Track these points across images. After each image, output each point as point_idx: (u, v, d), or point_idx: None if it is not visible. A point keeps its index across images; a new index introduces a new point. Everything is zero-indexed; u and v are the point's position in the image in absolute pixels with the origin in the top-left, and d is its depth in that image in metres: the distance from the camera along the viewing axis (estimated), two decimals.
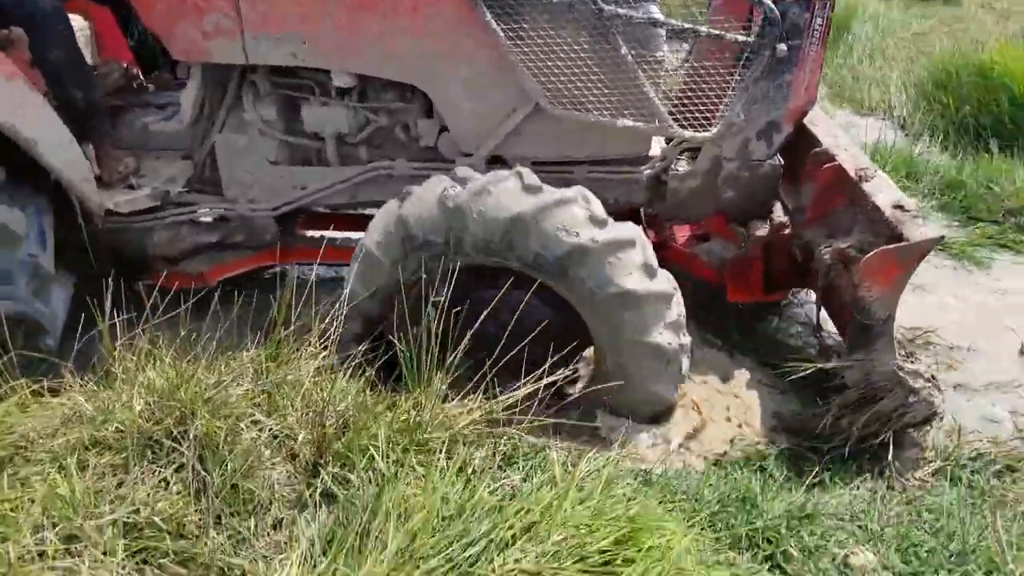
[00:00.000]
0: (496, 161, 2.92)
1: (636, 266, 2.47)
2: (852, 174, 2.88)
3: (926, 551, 2.29)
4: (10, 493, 1.94)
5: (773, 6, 2.70)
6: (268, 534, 2.00)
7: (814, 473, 2.58)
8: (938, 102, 5.85)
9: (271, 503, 2.06)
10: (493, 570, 1.79)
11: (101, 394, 2.27)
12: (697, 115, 2.80)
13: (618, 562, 1.88)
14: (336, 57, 2.81)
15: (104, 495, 1.96)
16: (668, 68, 2.80)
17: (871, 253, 2.55)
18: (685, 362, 2.61)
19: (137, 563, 1.87)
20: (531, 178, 2.49)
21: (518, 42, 2.64)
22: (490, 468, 2.20)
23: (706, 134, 2.84)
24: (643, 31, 2.68)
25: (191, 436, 2.07)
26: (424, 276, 2.51)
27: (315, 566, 1.84)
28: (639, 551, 1.91)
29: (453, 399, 2.36)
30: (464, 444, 2.24)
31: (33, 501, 1.90)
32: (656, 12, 2.70)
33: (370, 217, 3.46)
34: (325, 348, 2.45)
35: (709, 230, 3.33)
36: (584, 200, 2.50)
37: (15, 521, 1.84)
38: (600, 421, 2.70)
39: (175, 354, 2.34)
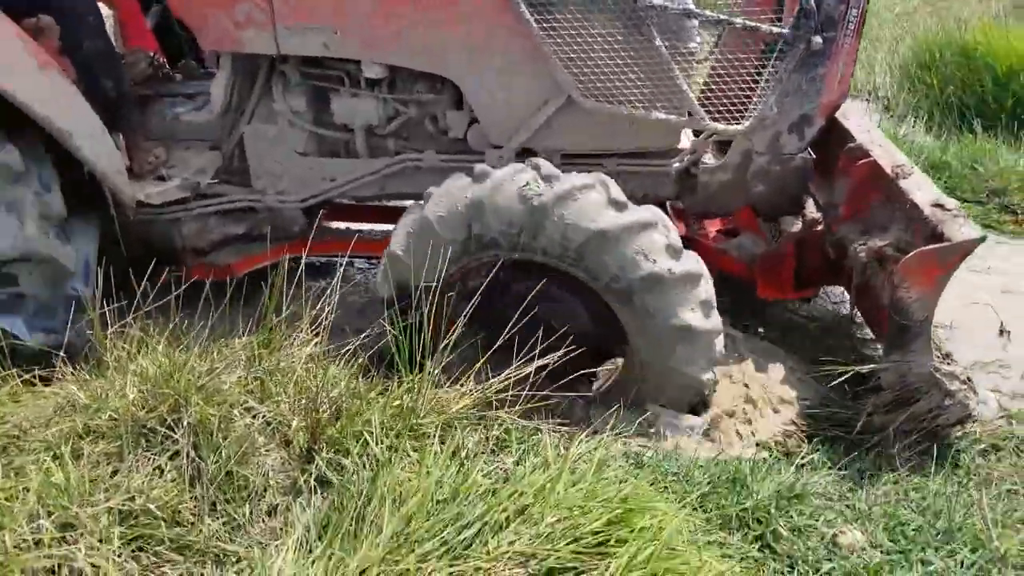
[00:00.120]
0: (525, 153, 2.91)
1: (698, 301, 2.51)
2: (888, 171, 2.84)
3: (913, 529, 2.33)
4: (5, 482, 1.94)
5: None
6: (263, 520, 2.01)
7: (803, 454, 2.61)
8: (922, 83, 5.88)
9: (266, 489, 2.07)
10: (487, 552, 1.81)
11: (94, 383, 2.27)
12: (729, 108, 2.78)
13: (611, 543, 1.91)
14: (368, 48, 2.80)
15: (99, 483, 1.97)
16: (698, 59, 2.79)
17: (911, 253, 2.50)
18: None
19: (133, 550, 1.89)
20: (616, 191, 2.50)
21: (551, 33, 2.63)
22: (483, 452, 2.22)
23: (738, 127, 2.81)
24: (677, 22, 2.66)
25: (185, 424, 2.07)
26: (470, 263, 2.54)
27: (311, 551, 1.85)
28: (631, 532, 1.93)
29: (447, 383, 2.37)
30: (458, 428, 2.26)
31: (28, 490, 1.90)
32: (690, 3, 2.69)
33: (397, 209, 3.47)
34: (317, 335, 2.46)
35: (737, 225, 3.32)
36: (664, 228, 2.52)
37: (10, 510, 1.85)
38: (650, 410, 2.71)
39: (168, 342, 2.34)
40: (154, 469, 2.04)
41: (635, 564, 1.84)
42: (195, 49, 3.51)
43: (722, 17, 2.69)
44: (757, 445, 2.71)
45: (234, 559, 1.92)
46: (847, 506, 2.42)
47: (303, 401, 2.23)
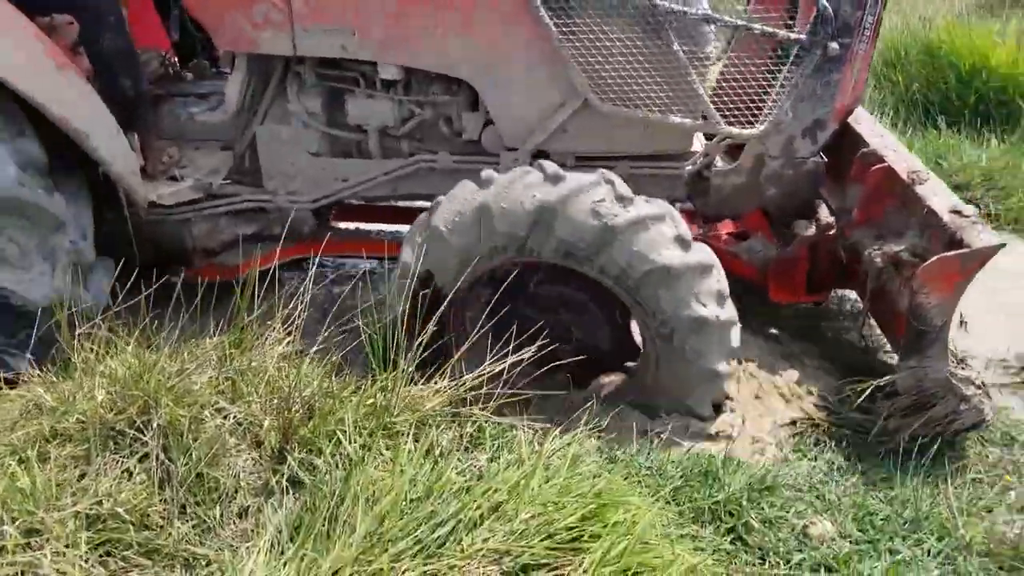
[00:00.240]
0: (539, 155, 2.91)
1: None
2: (904, 176, 2.85)
3: (881, 519, 2.37)
4: None
5: (827, 4, 2.67)
6: (234, 522, 1.99)
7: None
8: (888, 80, 5.96)
9: (237, 491, 2.05)
10: (462, 550, 1.81)
11: (61, 385, 2.23)
12: (744, 112, 2.79)
13: (585, 538, 1.92)
14: (386, 50, 2.79)
15: (66, 487, 1.94)
16: (713, 64, 2.80)
17: (932, 260, 2.50)
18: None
19: (100, 555, 1.86)
20: (683, 227, 2.52)
21: (570, 37, 2.64)
22: (457, 449, 2.22)
23: (753, 131, 2.82)
24: (695, 27, 2.67)
25: (154, 425, 2.05)
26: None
27: (283, 552, 1.84)
28: (605, 527, 1.94)
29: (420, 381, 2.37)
30: (432, 426, 2.25)
31: None
32: (707, 7, 2.70)
33: (407, 210, 3.55)
34: (289, 334, 2.44)
35: (748, 228, 3.34)
36: (720, 272, 2.56)
37: None
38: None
39: (137, 343, 2.31)
40: (122, 472, 2.02)
41: (609, 559, 1.85)
42: (207, 48, 3.51)
43: (740, 22, 2.70)
44: (761, 442, 2.74)
45: (204, 562, 1.90)
46: (817, 497, 2.45)
47: (275, 401, 2.21)
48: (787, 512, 2.34)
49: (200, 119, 3.12)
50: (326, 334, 2.42)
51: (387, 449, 2.15)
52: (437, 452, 2.16)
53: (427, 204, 2.75)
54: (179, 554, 1.90)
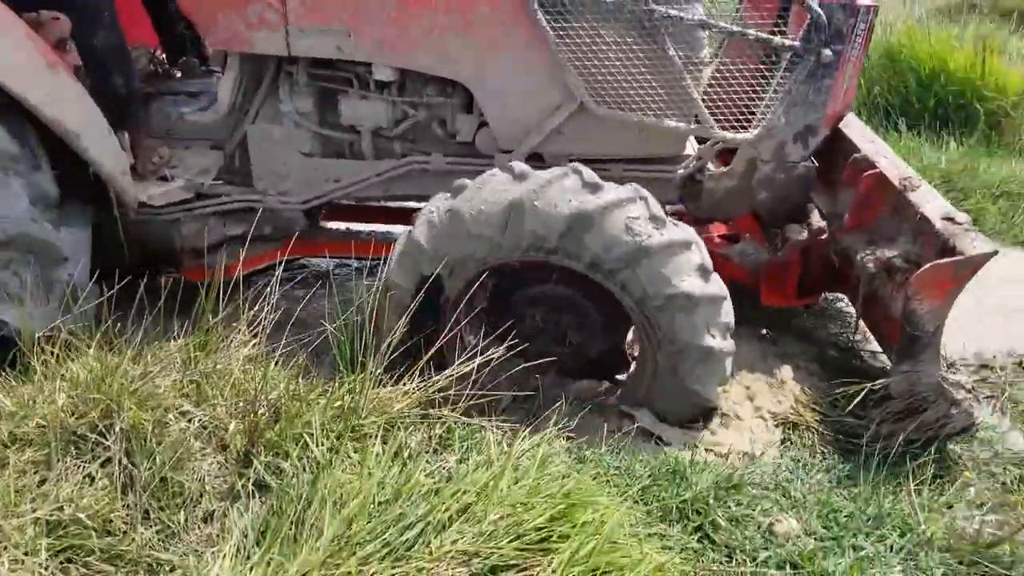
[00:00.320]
0: (533, 157, 2.91)
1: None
2: (896, 182, 2.87)
3: (845, 516, 2.40)
4: None
5: (820, 11, 2.70)
6: (199, 527, 1.97)
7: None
8: None
9: (201, 495, 2.02)
10: (430, 552, 1.81)
11: (20, 389, 2.19)
12: (738, 116, 2.82)
13: (554, 538, 1.92)
14: (382, 51, 2.79)
15: (25, 493, 1.90)
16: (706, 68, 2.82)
17: (926, 267, 2.52)
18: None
19: (61, 562, 1.82)
20: (706, 256, 2.52)
21: (567, 40, 2.65)
22: (426, 451, 2.21)
23: (746, 136, 2.85)
24: (690, 33, 2.69)
25: (117, 429, 2.02)
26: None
27: (248, 557, 1.82)
28: (573, 527, 1.95)
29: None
30: (400, 428, 2.24)
31: None
32: (702, 12, 2.72)
33: (398, 210, 3.55)
34: (255, 336, 2.42)
35: (739, 231, 3.37)
36: (730, 306, 2.57)
37: None
38: (641, 418, 2.72)
39: (100, 345, 2.27)
40: (84, 477, 1.98)
41: (577, 559, 1.85)
42: (197, 46, 3.47)
43: (735, 28, 2.73)
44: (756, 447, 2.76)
45: (168, 568, 1.87)
46: (783, 495, 2.48)
47: (240, 404, 2.19)
48: (753, 510, 2.37)
49: (191, 118, 3.09)
50: (293, 336, 2.40)
51: (355, 452, 2.13)
52: (406, 454, 2.15)
53: (419, 205, 2.74)
54: (142, 560, 1.87)
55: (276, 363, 2.36)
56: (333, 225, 3.65)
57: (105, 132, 2.69)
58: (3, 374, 2.33)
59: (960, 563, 2.28)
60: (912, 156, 5.00)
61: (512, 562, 1.84)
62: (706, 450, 2.68)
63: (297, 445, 2.12)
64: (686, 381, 2.58)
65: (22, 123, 2.54)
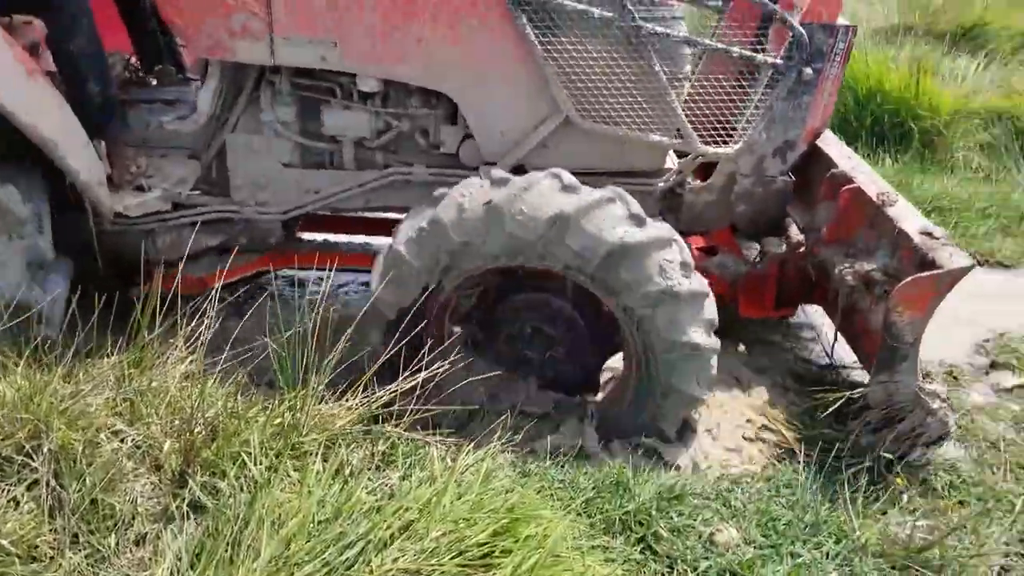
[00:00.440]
0: (517, 170, 2.87)
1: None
2: (874, 197, 2.93)
3: (784, 524, 2.45)
4: None
5: (802, 30, 2.75)
6: (131, 550, 1.91)
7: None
8: None
9: (134, 517, 1.96)
10: (371, 571, 1.78)
11: None
12: (720, 132, 2.86)
13: (496, 553, 1.92)
14: (367, 62, 2.76)
15: None
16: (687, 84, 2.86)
17: (907, 280, 2.58)
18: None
19: None
20: (685, 253, 2.55)
21: (554, 54, 2.66)
22: (368, 468, 2.19)
23: (728, 150, 2.89)
24: (675, 49, 2.73)
25: (45, 450, 1.95)
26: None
27: None
28: (517, 541, 1.95)
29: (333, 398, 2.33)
30: (342, 445, 2.22)
31: None
32: (684, 29, 2.76)
33: (376, 221, 3.54)
34: (193, 352, 2.36)
35: (716, 244, 3.41)
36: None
37: None
38: (586, 437, 2.75)
39: (28, 363, 2.19)
40: (9, 501, 1.90)
41: (519, 573, 1.85)
42: (172, 53, 3.40)
43: (720, 46, 2.78)
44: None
45: None
46: (723, 505, 2.51)
47: (176, 422, 2.14)
48: (695, 520, 2.40)
49: (169, 127, 3.01)
50: (233, 352, 2.36)
51: (295, 470, 2.10)
52: (347, 471, 2.13)
53: (400, 216, 2.72)
54: None
55: (214, 380, 2.32)
56: (310, 236, 3.60)
57: (82, 141, 2.63)
58: None
59: (893, 568, 2.34)
60: None
61: None
62: (676, 467, 2.71)
63: (235, 464, 2.08)
64: (673, 381, 2.60)
65: (36, 180, 2.53)
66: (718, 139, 2.87)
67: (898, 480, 2.65)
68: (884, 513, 2.58)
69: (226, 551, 1.80)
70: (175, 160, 3.03)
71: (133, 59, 3.42)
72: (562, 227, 2.43)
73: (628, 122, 2.77)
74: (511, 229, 2.45)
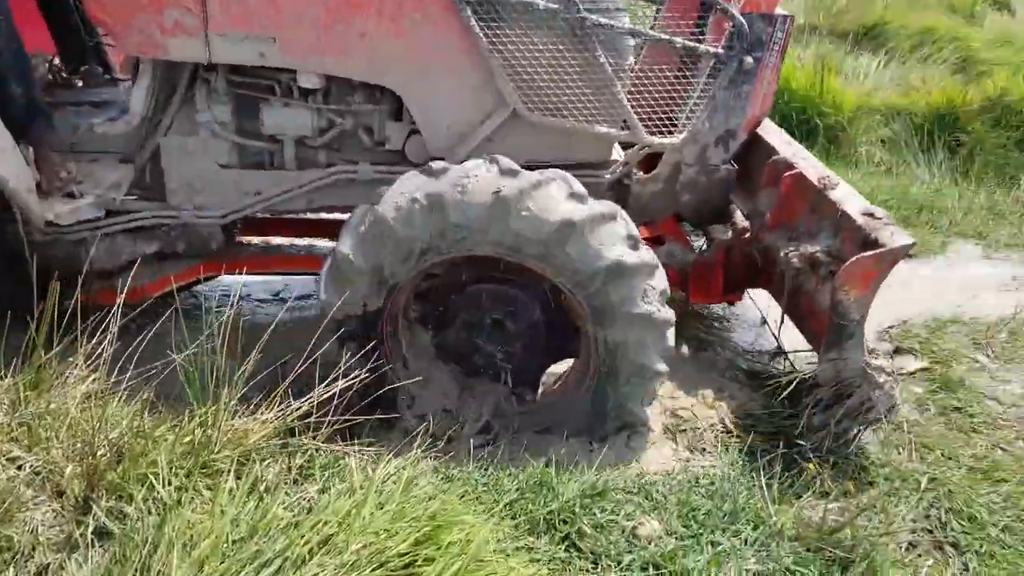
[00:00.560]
0: None
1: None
2: (815, 182, 3.00)
3: (703, 513, 2.50)
4: None
5: (742, 20, 2.81)
6: None
7: (602, 452, 2.73)
8: None
9: (34, 548, 1.86)
10: None
11: None
12: (665, 122, 2.88)
13: (419, 563, 1.90)
14: (309, 58, 2.68)
15: None
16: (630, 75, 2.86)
17: (852, 260, 2.66)
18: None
19: None
20: (631, 227, 2.58)
21: (499, 47, 2.63)
22: (285, 483, 2.13)
23: (673, 141, 2.93)
24: (620, 40, 2.73)
25: None
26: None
27: None
28: (439, 549, 1.93)
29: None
30: (257, 460, 2.15)
31: None
32: (627, 20, 2.75)
33: (320, 222, 3.47)
34: (95, 371, 2.26)
35: (662, 233, 3.43)
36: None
37: None
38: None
39: None
40: None
41: None
42: (97, 53, 3.24)
43: (664, 36, 2.80)
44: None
45: None
46: (645, 497, 2.55)
47: (78, 445, 2.04)
48: (618, 515, 2.42)
49: (99, 130, 2.87)
50: (139, 369, 2.26)
51: (207, 489, 2.03)
52: (262, 487, 2.06)
53: (345, 217, 2.68)
54: None
55: (119, 400, 2.22)
56: (251, 240, 3.50)
57: (8, 145, 2.50)
58: None
59: (808, 550, 2.42)
60: None
61: None
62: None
63: (142, 486, 1.99)
64: (632, 355, 2.61)
65: None
66: (663, 129, 2.93)
67: (810, 466, 2.74)
68: (799, 497, 2.66)
69: None
70: (107, 165, 2.92)
71: (56, 60, 3.26)
72: (503, 209, 2.43)
73: (575, 114, 2.79)
74: (456, 220, 2.45)
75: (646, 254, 2.59)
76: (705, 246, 3.38)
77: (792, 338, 3.28)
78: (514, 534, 2.23)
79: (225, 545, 1.81)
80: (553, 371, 3.03)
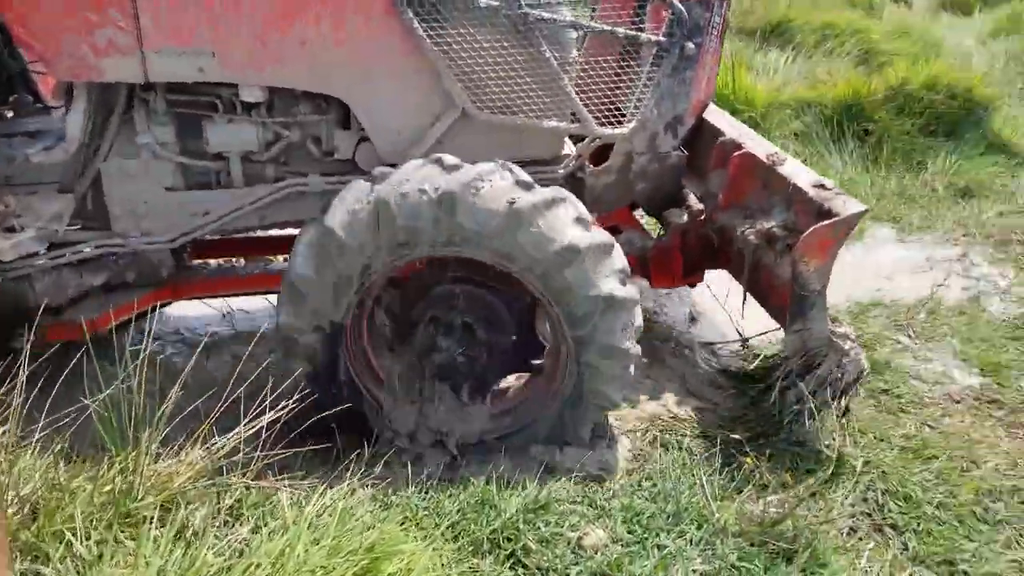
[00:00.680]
0: None
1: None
2: (764, 159, 3.06)
3: (648, 517, 2.50)
4: None
5: (681, 7, 2.82)
6: None
7: (543, 465, 2.71)
8: None
9: None
10: None
11: None
12: (614, 112, 2.89)
13: None
14: (249, 70, 2.59)
15: None
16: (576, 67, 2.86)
17: (809, 231, 2.69)
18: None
19: None
20: (581, 210, 2.55)
21: (444, 48, 2.60)
22: (214, 526, 2.04)
23: (623, 130, 2.94)
24: (562, 34, 2.72)
25: None
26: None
27: None
28: None
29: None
30: (183, 504, 2.05)
31: None
32: (567, 13, 2.73)
33: (272, 239, 3.36)
34: (4, 422, 2.12)
35: (618, 222, 3.43)
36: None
37: None
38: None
39: None
40: None
41: None
42: (25, 81, 3.09)
43: (606, 27, 2.80)
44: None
45: None
46: (589, 506, 2.54)
47: None
48: (562, 527, 2.40)
49: (36, 160, 2.70)
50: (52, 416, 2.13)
51: (130, 539, 1.92)
52: (189, 533, 1.97)
53: (296, 232, 2.61)
54: None
55: (31, 452, 2.09)
56: (205, 263, 3.37)
57: None
58: None
59: (752, 544, 2.44)
60: None
61: None
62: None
63: (60, 543, 1.88)
64: (599, 337, 2.58)
65: None
66: (612, 120, 2.95)
67: (747, 460, 2.77)
68: (739, 492, 2.68)
69: None
70: (46, 196, 2.78)
71: None
72: (450, 205, 2.40)
73: (525, 110, 2.78)
74: (402, 222, 2.41)
75: (599, 234, 2.59)
76: (662, 232, 3.43)
77: (723, 332, 3.35)
78: (457, 557, 2.19)
79: None
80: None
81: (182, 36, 2.51)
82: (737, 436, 2.88)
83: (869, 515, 2.68)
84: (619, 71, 2.95)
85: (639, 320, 2.65)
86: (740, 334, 3.58)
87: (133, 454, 2.08)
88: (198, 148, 2.81)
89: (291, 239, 2.63)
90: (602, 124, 2.94)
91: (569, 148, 3.19)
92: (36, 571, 1.83)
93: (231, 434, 2.19)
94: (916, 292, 4.15)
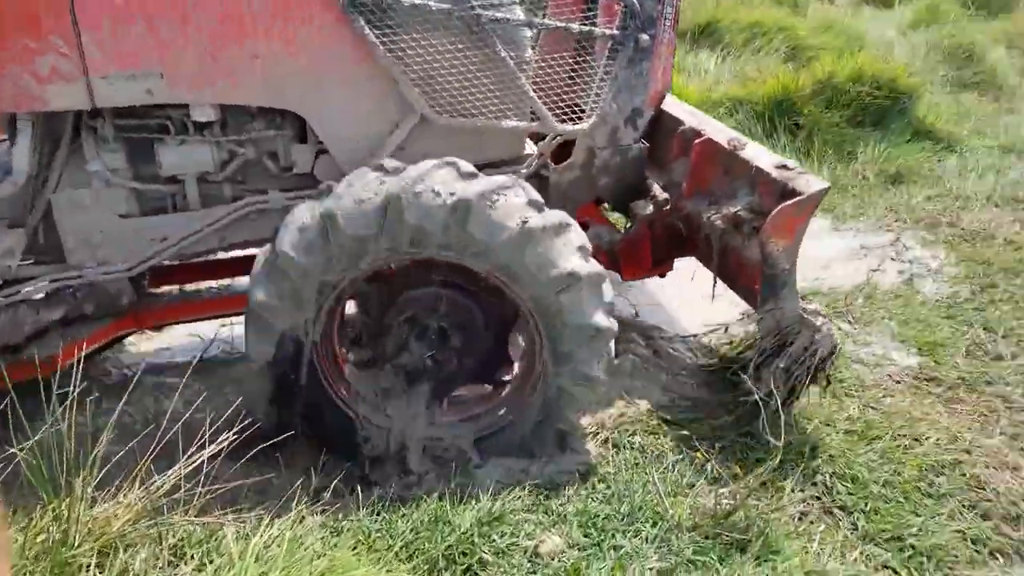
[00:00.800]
0: None
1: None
2: (725, 144, 3.09)
3: (603, 519, 2.51)
4: None
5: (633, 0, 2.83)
6: None
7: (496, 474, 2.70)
8: None
9: None
10: None
11: None
12: (574, 109, 2.89)
13: None
14: (200, 89, 2.52)
15: None
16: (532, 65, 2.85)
17: (775, 211, 2.72)
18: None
19: None
20: (531, 193, 2.54)
21: (398, 54, 2.57)
22: (155, 568, 1.98)
23: (583, 126, 2.94)
24: (517, 33, 2.71)
25: None
26: None
27: None
28: None
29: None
30: (121, 548, 1.99)
31: None
32: (519, 12, 2.72)
33: (233, 261, 3.29)
34: None
35: (585, 218, 3.40)
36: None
37: None
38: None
39: None
40: None
41: None
42: None
43: (559, 24, 2.80)
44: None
45: None
46: (544, 512, 2.53)
47: None
48: (518, 536, 2.39)
49: None
50: None
51: None
52: None
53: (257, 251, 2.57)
54: None
55: None
56: (164, 290, 3.30)
57: None
58: None
59: (706, 538, 2.46)
60: None
61: None
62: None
63: None
64: (578, 365, 2.59)
65: None
66: (571, 117, 2.96)
67: (697, 454, 2.79)
68: (692, 486, 2.71)
69: None
70: None
71: None
72: (395, 208, 2.38)
73: (484, 112, 2.77)
74: (351, 231, 2.40)
75: (554, 215, 2.58)
76: (629, 224, 3.45)
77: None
78: None
79: None
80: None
81: (127, 59, 2.45)
82: (686, 432, 2.90)
83: (819, 499, 2.72)
84: (575, 67, 2.98)
85: (612, 351, 2.68)
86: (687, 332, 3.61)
87: (67, 500, 2.01)
88: (151, 172, 2.75)
89: (253, 259, 2.59)
90: (562, 121, 2.95)
91: (530, 148, 3.20)
92: None
93: (170, 471, 2.12)
94: (853, 279, 4.25)
